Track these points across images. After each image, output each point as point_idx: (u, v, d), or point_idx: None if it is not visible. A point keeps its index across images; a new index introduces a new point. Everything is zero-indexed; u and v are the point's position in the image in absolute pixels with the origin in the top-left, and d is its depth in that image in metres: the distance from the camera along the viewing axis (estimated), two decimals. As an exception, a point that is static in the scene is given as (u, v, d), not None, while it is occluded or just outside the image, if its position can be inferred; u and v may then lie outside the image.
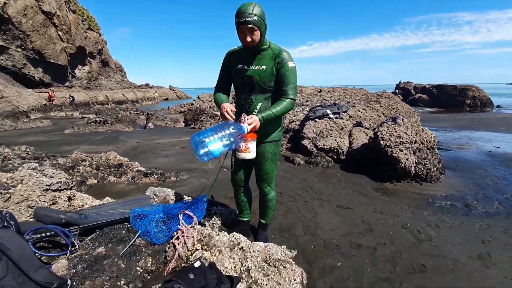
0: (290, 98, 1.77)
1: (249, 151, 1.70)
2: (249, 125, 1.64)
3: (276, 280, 1.60)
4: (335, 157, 4.85)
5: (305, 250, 2.22)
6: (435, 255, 2.19)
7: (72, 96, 22.55)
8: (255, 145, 1.76)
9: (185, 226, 1.72)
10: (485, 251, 2.26)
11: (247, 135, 1.67)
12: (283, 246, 2.01)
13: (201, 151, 1.52)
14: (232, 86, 2.00)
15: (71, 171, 3.40)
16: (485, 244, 2.37)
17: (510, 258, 2.17)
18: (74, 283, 1.38)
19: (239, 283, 1.42)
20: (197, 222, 1.80)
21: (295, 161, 4.79)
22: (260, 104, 1.82)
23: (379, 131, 4.17)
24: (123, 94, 30.08)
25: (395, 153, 3.92)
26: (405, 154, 3.93)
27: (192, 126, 10.47)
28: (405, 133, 4.10)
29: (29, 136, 8.35)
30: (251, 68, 1.76)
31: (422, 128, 4.46)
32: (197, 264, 1.39)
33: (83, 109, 19.36)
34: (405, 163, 3.84)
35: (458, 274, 1.96)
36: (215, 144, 1.53)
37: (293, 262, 1.84)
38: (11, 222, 1.58)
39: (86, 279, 1.42)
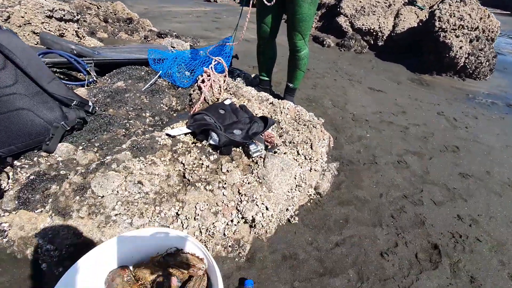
0: None
1: None
2: None
3: (306, 135, 1.51)
4: (372, 42, 4.22)
5: (333, 120, 2.11)
6: (469, 139, 2.07)
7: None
8: None
9: (211, 70, 1.52)
10: (524, 144, 2.12)
11: None
12: (311, 113, 1.87)
13: None
14: None
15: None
16: (524, 138, 2.22)
17: (549, 152, 2.05)
18: (97, 108, 1.30)
19: (272, 127, 1.32)
20: (227, 69, 1.59)
21: (324, 42, 4.22)
22: None
23: (438, 9, 3.41)
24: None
25: (449, 38, 3.31)
26: (460, 41, 3.33)
27: (207, -2, 9.05)
28: (469, 15, 3.35)
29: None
30: None
31: (488, 13, 3.63)
32: (227, 102, 1.25)
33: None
34: (456, 52, 3.30)
35: (492, 158, 1.88)
36: None
37: (322, 126, 1.74)
38: (14, 38, 1.38)
39: (109, 107, 1.33)
